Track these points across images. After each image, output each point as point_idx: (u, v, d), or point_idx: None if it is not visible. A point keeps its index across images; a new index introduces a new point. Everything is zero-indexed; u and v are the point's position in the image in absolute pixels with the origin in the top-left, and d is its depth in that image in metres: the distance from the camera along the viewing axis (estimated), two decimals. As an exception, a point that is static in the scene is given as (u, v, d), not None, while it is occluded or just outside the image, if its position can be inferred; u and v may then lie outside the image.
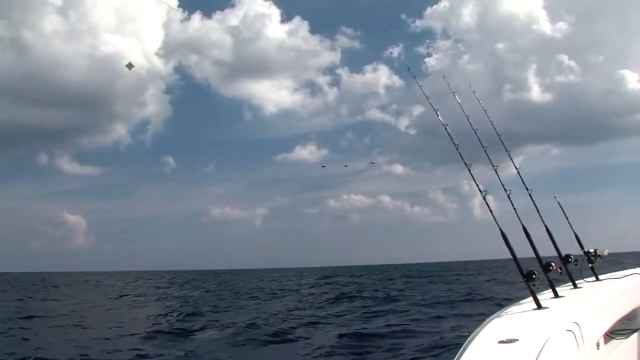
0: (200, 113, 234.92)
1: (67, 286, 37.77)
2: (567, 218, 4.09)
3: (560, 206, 4.18)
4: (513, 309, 2.86)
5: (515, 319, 2.63)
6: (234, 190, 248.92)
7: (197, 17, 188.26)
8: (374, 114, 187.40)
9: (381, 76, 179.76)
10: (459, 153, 3.33)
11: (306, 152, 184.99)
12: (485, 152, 3.61)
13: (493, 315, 2.69)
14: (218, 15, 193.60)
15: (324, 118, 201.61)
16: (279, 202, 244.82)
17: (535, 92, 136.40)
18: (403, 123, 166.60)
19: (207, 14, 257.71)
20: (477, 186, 3.17)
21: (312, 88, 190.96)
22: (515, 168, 3.91)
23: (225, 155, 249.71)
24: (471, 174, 3.25)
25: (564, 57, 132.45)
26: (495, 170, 3.47)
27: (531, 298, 2.84)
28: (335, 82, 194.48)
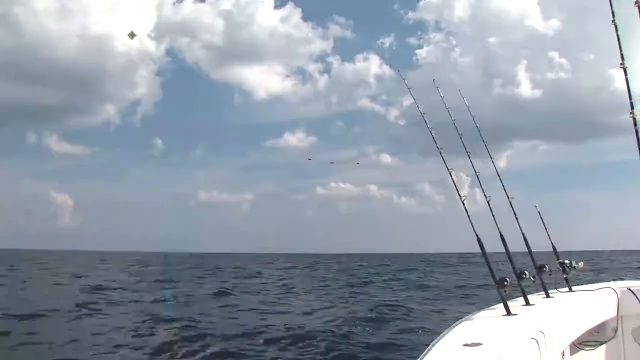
0: (191, 96, 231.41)
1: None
2: (545, 228, 4.13)
3: (541, 216, 4.21)
4: (482, 313, 2.91)
5: (483, 324, 2.67)
6: (222, 174, 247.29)
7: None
8: (364, 103, 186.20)
9: (372, 66, 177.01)
10: (445, 162, 3.39)
11: (295, 139, 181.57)
12: (468, 155, 3.66)
13: (462, 319, 2.73)
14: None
15: (314, 105, 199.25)
16: (267, 188, 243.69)
17: (525, 88, 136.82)
18: (393, 113, 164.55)
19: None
20: (457, 192, 3.21)
21: (302, 75, 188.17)
22: (498, 174, 3.95)
23: (214, 139, 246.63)
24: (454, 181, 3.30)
25: (555, 54, 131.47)
26: (477, 176, 3.52)
27: (502, 304, 2.89)
28: (326, 70, 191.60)
